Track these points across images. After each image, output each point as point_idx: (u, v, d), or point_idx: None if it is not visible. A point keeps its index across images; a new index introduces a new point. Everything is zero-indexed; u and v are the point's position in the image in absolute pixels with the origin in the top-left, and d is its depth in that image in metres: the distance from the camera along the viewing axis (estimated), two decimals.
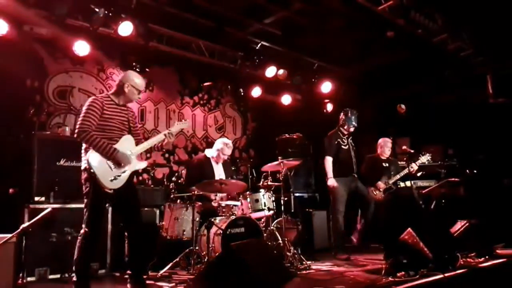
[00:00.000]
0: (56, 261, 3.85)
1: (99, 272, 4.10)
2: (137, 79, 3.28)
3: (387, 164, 5.42)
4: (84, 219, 3.08)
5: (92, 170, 2.96)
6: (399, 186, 5.31)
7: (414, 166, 5.19)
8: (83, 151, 3.11)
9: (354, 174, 4.99)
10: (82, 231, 3.07)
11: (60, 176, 4.02)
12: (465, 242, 4.22)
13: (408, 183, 5.19)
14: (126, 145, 3.17)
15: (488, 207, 5.58)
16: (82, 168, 3.11)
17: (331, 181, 4.79)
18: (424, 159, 5.31)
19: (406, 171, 5.13)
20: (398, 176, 5.23)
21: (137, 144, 3.29)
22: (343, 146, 4.93)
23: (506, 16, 5.33)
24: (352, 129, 4.96)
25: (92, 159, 2.98)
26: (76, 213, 4.02)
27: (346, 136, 4.98)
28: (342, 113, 5.02)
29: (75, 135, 3.04)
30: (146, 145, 3.32)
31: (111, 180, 3.02)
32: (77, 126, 3.04)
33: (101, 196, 3.06)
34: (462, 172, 5.73)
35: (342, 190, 4.84)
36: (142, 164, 3.38)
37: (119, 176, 3.07)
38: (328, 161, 4.86)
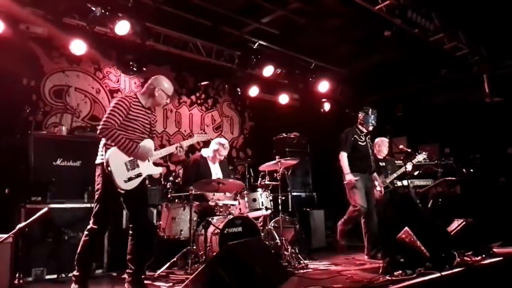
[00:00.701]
0: (53, 261, 3.84)
1: (96, 272, 4.09)
2: (167, 84, 3.32)
3: (384, 163, 5.44)
4: (92, 215, 3.08)
5: (109, 168, 2.97)
6: (396, 185, 5.32)
7: (409, 166, 5.19)
8: (101, 147, 3.11)
9: (372, 173, 4.86)
10: (89, 226, 3.08)
11: (56, 176, 4.00)
12: (462, 241, 4.24)
13: (405, 182, 5.20)
14: (146, 146, 3.19)
15: (484, 205, 5.61)
16: (98, 163, 3.12)
17: (349, 176, 4.60)
18: (420, 157, 5.32)
19: (402, 169, 5.13)
20: (394, 175, 5.24)
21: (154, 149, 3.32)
22: (360, 143, 4.77)
23: (502, 15, 5.35)
24: (371, 128, 4.82)
25: (111, 156, 2.99)
26: (73, 213, 4.03)
27: (364, 134, 4.84)
28: (361, 112, 4.87)
29: (98, 132, 3.04)
30: (162, 152, 3.40)
31: (125, 181, 3.03)
32: (102, 123, 3.04)
33: (112, 194, 3.06)
34: (459, 171, 5.75)
35: (361, 185, 4.65)
36: (158, 170, 3.39)
37: (133, 178, 3.09)
38: (343, 156, 4.68)
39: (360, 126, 4.86)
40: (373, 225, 4.70)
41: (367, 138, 4.86)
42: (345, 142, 4.71)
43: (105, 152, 3.03)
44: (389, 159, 5.58)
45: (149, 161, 3.23)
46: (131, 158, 3.10)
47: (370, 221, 4.69)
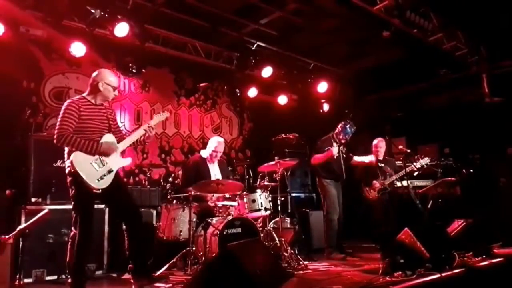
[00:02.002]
0: (53, 262, 3.85)
1: (96, 273, 4.10)
2: (110, 77, 3.28)
3: (382, 164, 5.44)
4: (73, 222, 3.08)
5: (77, 172, 2.94)
6: (395, 186, 5.32)
7: (414, 168, 5.23)
8: (66, 155, 3.09)
9: (341, 181, 5.16)
10: (71, 233, 3.08)
11: (56, 177, 4.00)
12: (462, 242, 4.23)
13: (405, 183, 5.20)
14: (107, 141, 3.16)
15: (484, 206, 5.60)
16: (67, 172, 3.09)
17: (330, 149, 4.85)
18: (423, 162, 5.32)
19: (403, 172, 5.13)
20: (394, 177, 5.24)
21: (119, 141, 3.28)
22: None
23: (501, 15, 5.36)
24: (343, 141, 5.05)
25: (76, 161, 2.97)
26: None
27: (338, 144, 5.02)
28: (341, 124, 5.08)
29: (55, 141, 3.02)
30: (127, 141, 3.31)
31: (98, 180, 3.02)
32: (55, 132, 3.02)
33: (88, 198, 3.05)
34: (458, 171, 5.74)
35: (333, 189, 5.00)
36: (127, 161, 3.37)
37: (105, 175, 3.07)
38: (316, 156, 5.02)
39: (335, 136, 5.07)
40: (338, 228, 4.98)
41: (340, 147, 5.02)
42: (319, 150, 5.01)
43: (68, 158, 3.01)
44: (388, 160, 5.58)
45: (116, 155, 3.19)
46: (96, 156, 3.08)
47: (338, 224, 4.97)
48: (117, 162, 3.18)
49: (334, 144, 4.97)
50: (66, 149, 3.09)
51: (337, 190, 5.06)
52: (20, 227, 3.68)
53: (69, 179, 3.08)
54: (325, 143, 5.05)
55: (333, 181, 5.05)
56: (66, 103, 3.14)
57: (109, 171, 3.10)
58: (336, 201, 5.00)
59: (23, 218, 3.81)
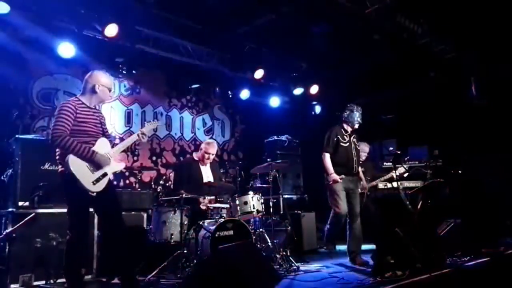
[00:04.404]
0: (41, 267, 3.77)
1: (86, 277, 4.02)
2: (106, 79, 3.24)
3: (363, 168, 5.46)
4: (68, 225, 3.04)
5: (73, 174, 2.91)
6: (377, 188, 5.41)
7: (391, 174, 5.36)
8: (58, 156, 3.04)
9: (354, 175, 4.64)
10: (67, 237, 3.03)
11: (44, 181, 3.93)
12: (451, 242, 4.29)
13: (395, 184, 5.25)
14: (102, 147, 3.14)
15: (473, 206, 5.68)
16: (60, 172, 3.04)
17: (334, 176, 4.39)
18: (400, 171, 5.41)
19: (387, 176, 5.21)
20: (374, 183, 5.32)
21: (112, 146, 3.26)
22: (342, 144, 4.55)
23: (490, 19, 5.45)
24: (356, 126, 4.60)
25: (71, 163, 2.93)
26: (61, 218, 3.94)
27: (349, 133, 4.61)
28: (346, 109, 4.64)
29: (50, 141, 2.97)
30: (121, 146, 3.30)
31: (94, 183, 2.99)
32: (52, 132, 2.97)
33: (84, 200, 3.02)
34: (448, 172, 5.81)
35: (342, 188, 4.46)
36: (121, 166, 3.35)
37: (100, 179, 3.04)
38: (326, 157, 4.50)
39: (345, 125, 4.64)
40: (356, 229, 4.51)
41: (351, 138, 4.63)
42: (328, 143, 4.52)
43: (63, 160, 2.96)
44: (367, 163, 5.66)
45: (108, 165, 3.15)
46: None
47: (353, 225, 4.52)
48: (111, 166, 3.16)
49: (345, 137, 4.55)
50: (58, 151, 3.03)
51: (347, 186, 4.49)
52: (7, 231, 3.61)
53: (63, 180, 3.03)
54: (333, 133, 4.56)
55: (343, 176, 4.46)
56: (61, 104, 3.09)
57: (104, 175, 3.08)
58: (343, 198, 4.41)
59: (10, 222, 3.73)
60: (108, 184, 3.13)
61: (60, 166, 3.03)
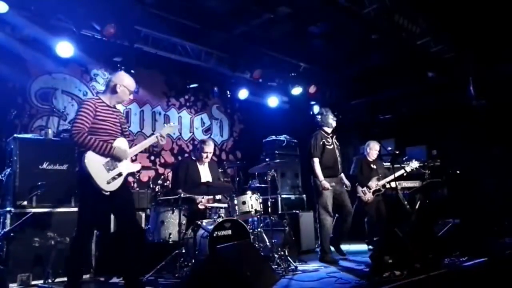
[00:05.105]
0: (39, 266, 3.77)
1: (84, 277, 4.01)
2: (128, 80, 3.30)
3: (375, 166, 5.50)
4: (78, 223, 3.06)
5: (88, 173, 2.94)
6: (387, 187, 5.38)
7: (401, 171, 5.30)
8: (77, 154, 3.10)
9: (340, 176, 4.88)
10: (75, 234, 3.07)
11: (42, 180, 3.93)
12: (449, 241, 4.29)
13: (393, 184, 5.25)
14: (121, 147, 3.17)
15: (471, 206, 5.69)
16: (77, 172, 3.12)
17: (324, 183, 4.62)
18: (413, 165, 5.40)
19: (397, 174, 5.16)
20: (388, 179, 5.28)
21: (129, 146, 3.30)
22: (328, 146, 4.79)
23: (488, 18, 5.46)
24: (334, 124, 4.86)
25: (88, 161, 2.97)
26: (59, 217, 3.97)
27: (330, 135, 4.89)
28: (318, 115, 4.96)
29: (70, 138, 3.03)
30: (139, 147, 3.36)
31: (108, 183, 3.02)
32: (72, 129, 3.02)
33: (96, 199, 3.03)
34: (446, 172, 5.83)
35: (330, 192, 4.70)
36: (136, 167, 3.40)
37: (115, 178, 3.08)
38: (316, 162, 4.71)
39: (324, 128, 4.87)
40: (344, 227, 4.78)
41: (333, 139, 4.88)
42: (315, 148, 4.73)
43: (81, 157, 2.99)
44: (377, 161, 5.63)
45: (126, 159, 3.20)
46: (108, 159, 3.08)
47: (342, 223, 4.77)
48: (127, 166, 3.19)
49: (327, 140, 4.79)
50: (76, 149, 3.10)
51: (334, 188, 4.71)
52: (5, 230, 3.61)
53: (78, 179, 3.08)
54: (319, 137, 4.79)
55: (329, 179, 4.69)
56: (82, 101, 3.16)
57: (119, 174, 3.11)
58: (330, 202, 4.66)
59: (8, 222, 3.72)
60: (123, 184, 3.16)
61: (78, 164, 3.08)
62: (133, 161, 3.35)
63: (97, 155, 3.01)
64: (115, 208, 3.19)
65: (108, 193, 3.02)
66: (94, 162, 2.99)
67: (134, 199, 4.80)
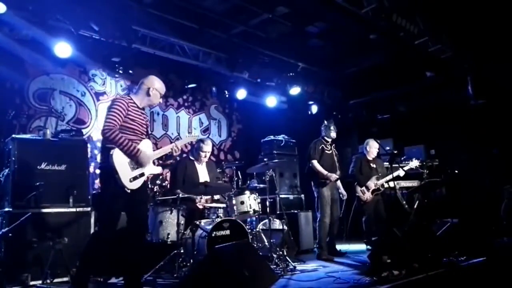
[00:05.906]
0: (37, 267, 3.76)
1: None
2: (158, 83, 3.38)
3: (374, 165, 5.50)
4: (98, 219, 3.09)
5: (115, 168, 2.97)
6: (385, 187, 5.39)
7: (401, 172, 5.34)
8: (103, 149, 3.13)
9: (337, 183, 5.21)
10: (95, 230, 3.13)
11: (41, 180, 3.92)
12: (447, 241, 4.30)
13: (391, 184, 5.26)
14: (146, 148, 3.22)
15: (469, 206, 5.70)
16: (100, 166, 3.16)
17: (330, 174, 4.99)
18: (413, 164, 5.42)
19: (395, 174, 5.16)
20: (387, 178, 5.29)
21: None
22: (326, 151, 5.15)
23: (486, 18, 5.47)
24: (334, 135, 5.22)
25: (115, 157, 3.00)
26: (57, 217, 3.96)
27: (329, 143, 5.24)
28: (322, 126, 5.32)
29: (101, 133, 3.06)
30: (157, 152, 3.40)
31: (131, 181, 3.05)
32: (104, 125, 3.05)
33: (119, 196, 3.04)
34: (444, 172, 5.84)
35: (328, 195, 5.00)
36: (158, 169, 3.42)
37: (137, 177, 3.11)
38: (315, 163, 5.05)
39: (326, 138, 5.25)
40: (332, 231, 5.09)
41: (332, 146, 5.27)
42: (314, 151, 5.10)
43: (108, 153, 3.02)
44: (377, 160, 5.64)
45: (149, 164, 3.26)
46: None
47: (331, 227, 5.06)
48: (149, 167, 3.24)
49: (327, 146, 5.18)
50: (101, 145, 3.15)
51: (331, 192, 5.07)
52: (3, 230, 3.60)
53: (102, 174, 3.12)
54: (318, 143, 5.19)
55: (327, 182, 5.02)
56: (116, 98, 3.21)
57: (141, 174, 3.15)
58: (329, 203, 5.00)
59: (6, 222, 3.71)
60: (143, 185, 3.20)
61: (102, 159, 3.12)
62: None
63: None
64: (130, 206, 3.18)
65: (129, 191, 3.04)
66: (120, 159, 3.03)
67: None
